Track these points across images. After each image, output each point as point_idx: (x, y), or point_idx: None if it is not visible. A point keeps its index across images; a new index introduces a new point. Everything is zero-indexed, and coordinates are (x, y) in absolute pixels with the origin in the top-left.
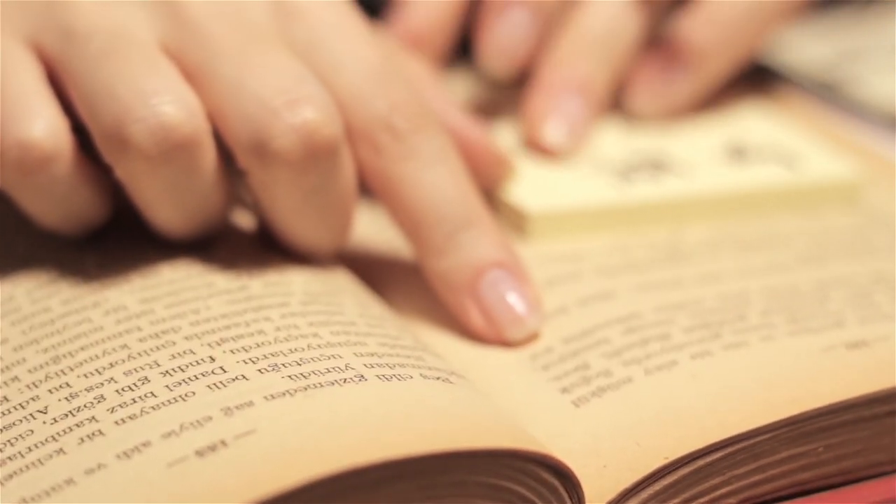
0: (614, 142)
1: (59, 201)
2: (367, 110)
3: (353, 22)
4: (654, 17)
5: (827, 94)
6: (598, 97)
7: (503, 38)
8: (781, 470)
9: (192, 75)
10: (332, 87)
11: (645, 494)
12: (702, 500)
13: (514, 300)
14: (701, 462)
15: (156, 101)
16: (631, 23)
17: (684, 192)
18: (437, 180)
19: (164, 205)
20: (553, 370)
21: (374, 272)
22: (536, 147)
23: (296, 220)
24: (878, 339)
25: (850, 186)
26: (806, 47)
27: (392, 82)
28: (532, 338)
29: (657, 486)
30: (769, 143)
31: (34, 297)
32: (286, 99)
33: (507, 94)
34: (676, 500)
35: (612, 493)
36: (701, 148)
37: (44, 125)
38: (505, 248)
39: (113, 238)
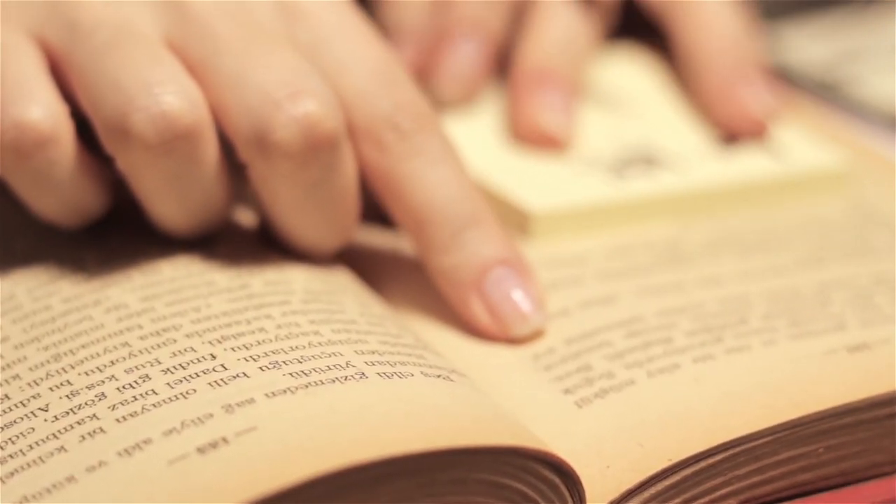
0: (600, 137)
1: (57, 189)
2: (371, 109)
3: (357, 23)
4: (604, 17)
5: (827, 94)
6: (574, 92)
7: (454, 67)
8: (782, 471)
9: (195, 70)
10: (336, 86)
11: (646, 494)
12: (703, 500)
13: (519, 297)
14: (703, 463)
15: (158, 91)
16: (585, 25)
17: (681, 187)
18: (442, 179)
19: (166, 198)
20: (555, 371)
21: (374, 271)
22: (536, 138)
23: (297, 216)
24: (880, 342)
25: (837, 176)
26: (806, 47)
27: (396, 82)
28: (537, 335)
29: (659, 487)
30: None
31: (35, 295)
32: (288, 91)
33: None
34: (677, 501)
35: (615, 494)
36: (689, 140)
37: (42, 108)
38: (509, 246)
39: (114, 236)
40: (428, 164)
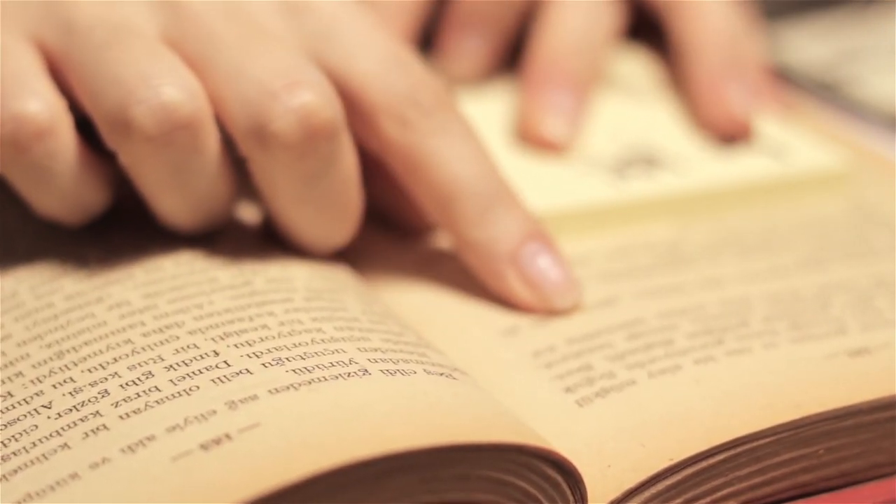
0: (602, 137)
1: (57, 183)
2: (390, 88)
3: (364, 12)
4: (625, 11)
5: (827, 94)
6: (586, 90)
7: (464, 52)
8: (783, 472)
9: (192, 65)
10: (351, 73)
11: (647, 494)
12: (704, 500)
13: (555, 271)
14: (704, 464)
15: (157, 83)
16: (604, 18)
17: (682, 188)
18: (468, 155)
19: (168, 192)
20: (556, 369)
21: (375, 271)
22: (537, 142)
23: (297, 210)
24: (880, 346)
25: (837, 176)
26: (806, 47)
27: (410, 65)
28: (575, 308)
29: (660, 486)
30: (756, 134)
31: (38, 292)
32: (285, 82)
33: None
34: (678, 501)
35: (616, 493)
36: (689, 140)
37: (39, 100)
38: (536, 221)
39: (116, 234)
40: (453, 140)
